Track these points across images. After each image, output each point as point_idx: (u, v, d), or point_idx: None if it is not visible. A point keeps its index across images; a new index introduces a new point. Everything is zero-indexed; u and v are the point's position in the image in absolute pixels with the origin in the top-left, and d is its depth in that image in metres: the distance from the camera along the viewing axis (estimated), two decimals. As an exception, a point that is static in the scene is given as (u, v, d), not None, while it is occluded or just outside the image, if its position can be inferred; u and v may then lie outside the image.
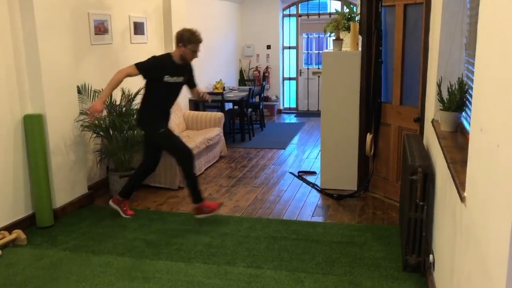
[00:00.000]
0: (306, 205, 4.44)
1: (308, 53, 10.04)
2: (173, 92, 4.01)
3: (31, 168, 3.89)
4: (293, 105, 10.22)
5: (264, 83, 8.84)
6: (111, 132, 4.48)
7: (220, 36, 8.47)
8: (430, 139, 3.22)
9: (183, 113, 6.25)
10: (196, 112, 6.33)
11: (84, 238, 3.72)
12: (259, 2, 9.55)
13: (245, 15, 9.69)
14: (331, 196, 4.61)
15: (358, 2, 4.88)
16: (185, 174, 3.98)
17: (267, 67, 9.79)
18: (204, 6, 7.63)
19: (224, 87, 7.80)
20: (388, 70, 4.39)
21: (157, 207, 4.42)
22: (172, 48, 6.08)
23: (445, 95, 2.76)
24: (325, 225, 3.92)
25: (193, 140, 5.25)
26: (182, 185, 4.92)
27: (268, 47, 9.75)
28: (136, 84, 4.41)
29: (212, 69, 8.02)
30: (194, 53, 3.89)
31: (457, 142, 2.53)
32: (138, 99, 4.75)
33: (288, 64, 10.10)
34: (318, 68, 9.47)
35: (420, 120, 3.78)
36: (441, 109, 2.78)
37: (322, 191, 4.80)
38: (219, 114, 6.18)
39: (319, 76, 9.10)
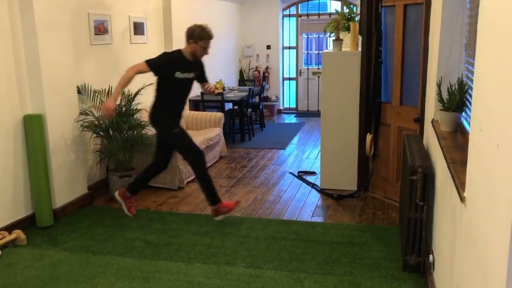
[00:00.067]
0: (306, 205, 4.44)
1: (308, 53, 10.04)
2: (184, 89, 3.96)
3: (31, 168, 3.89)
4: (293, 105, 10.23)
5: (264, 83, 8.84)
6: (111, 132, 4.48)
7: (220, 36, 8.46)
8: (430, 139, 3.22)
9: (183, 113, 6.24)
10: (196, 112, 6.33)
11: (84, 238, 3.72)
12: (259, 2, 9.55)
13: (245, 15, 9.69)
14: (331, 196, 4.61)
15: (358, 2, 4.88)
16: (198, 177, 3.92)
17: (267, 67, 9.79)
18: (204, 6, 7.63)
19: (224, 87, 7.80)
20: (388, 70, 4.39)
21: (157, 207, 4.42)
22: (172, 48, 6.10)
23: (445, 95, 2.76)
24: (325, 225, 3.92)
25: (193, 140, 5.25)
26: (182, 185, 4.93)
27: (268, 47, 9.76)
28: (136, 84, 4.41)
29: (212, 69, 8.00)
30: (205, 50, 3.85)
31: (457, 142, 2.53)
32: (138, 99, 4.77)
33: (288, 64, 10.10)
34: (318, 68, 9.48)
35: (420, 120, 3.78)
36: (441, 109, 2.78)
37: (322, 191, 4.80)
38: (219, 114, 6.19)
39: (319, 76, 9.10)
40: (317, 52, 9.89)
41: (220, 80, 7.92)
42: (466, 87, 2.66)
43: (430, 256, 2.89)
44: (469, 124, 2.25)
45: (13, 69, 3.76)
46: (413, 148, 3.20)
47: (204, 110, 6.85)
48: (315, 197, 4.67)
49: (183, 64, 3.84)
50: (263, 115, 8.37)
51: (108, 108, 3.66)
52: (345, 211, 4.26)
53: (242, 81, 9.52)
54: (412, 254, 3.02)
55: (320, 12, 9.58)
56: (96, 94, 4.57)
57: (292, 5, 9.77)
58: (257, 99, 8.37)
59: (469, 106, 2.49)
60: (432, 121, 3.10)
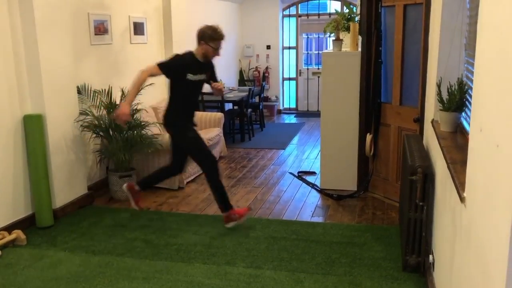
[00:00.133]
0: (305, 206, 4.44)
1: (308, 53, 10.04)
2: (196, 90, 3.95)
3: (31, 168, 3.89)
4: (293, 106, 10.22)
5: (264, 83, 8.83)
6: (111, 132, 4.48)
7: (220, 36, 8.46)
8: (430, 139, 3.22)
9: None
10: (196, 112, 6.29)
11: (84, 238, 3.72)
12: (259, 2, 9.55)
13: (245, 15, 9.69)
14: (331, 197, 4.61)
15: (358, 3, 4.89)
16: (210, 183, 3.85)
17: (267, 67, 9.79)
18: (204, 6, 7.63)
19: (224, 87, 7.79)
20: (388, 71, 4.39)
21: (157, 207, 4.42)
22: (172, 48, 6.11)
23: (444, 96, 2.76)
24: (325, 225, 3.92)
25: (193, 140, 5.24)
26: (182, 185, 4.93)
27: (268, 47, 9.75)
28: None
29: (212, 69, 8.00)
30: (216, 51, 3.83)
31: (456, 142, 2.53)
32: (138, 99, 4.76)
33: (288, 64, 10.10)
34: (318, 69, 9.47)
35: (419, 120, 3.78)
36: (440, 110, 2.78)
37: (321, 191, 4.80)
38: (219, 115, 6.18)
39: (318, 77, 9.10)
40: (317, 52, 9.89)
41: (220, 80, 7.91)
42: (466, 87, 2.66)
43: (430, 256, 2.89)
44: (469, 124, 2.25)
45: (13, 69, 3.76)
46: (413, 148, 3.20)
47: (204, 110, 6.85)
48: (315, 197, 4.67)
49: (195, 66, 3.81)
50: (263, 115, 8.37)
51: (123, 113, 3.61)
52: (345, 211, 4.26)
53: (242, 81, 9.52)
54: (412, 254, 3.02)
55: (320, 12, 9.58)
56: (96, 94, 4.57)
57: (292, 5, 9.78)
58: (257, 99, 8.37)
59: (469, 106, 2.49)
60: (432, 121, 3.10)
